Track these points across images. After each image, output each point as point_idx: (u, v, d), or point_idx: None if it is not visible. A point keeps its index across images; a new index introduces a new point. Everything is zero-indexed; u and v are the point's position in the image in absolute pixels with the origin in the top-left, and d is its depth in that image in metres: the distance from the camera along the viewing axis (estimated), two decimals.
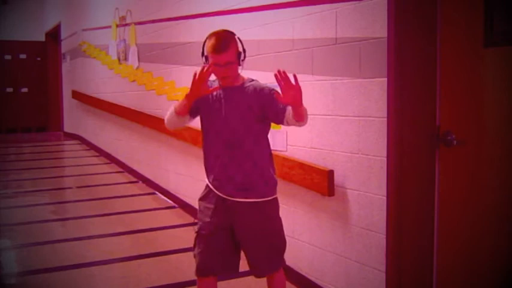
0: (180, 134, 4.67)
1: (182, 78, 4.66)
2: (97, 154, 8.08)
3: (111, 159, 7.35)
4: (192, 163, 4.61)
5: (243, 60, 2.26)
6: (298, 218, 3.04)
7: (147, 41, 5.54)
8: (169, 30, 4.87)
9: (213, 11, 3.96)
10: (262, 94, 2.24)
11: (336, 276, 2.76)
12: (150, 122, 5.49)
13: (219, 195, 2.29)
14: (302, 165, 2.88)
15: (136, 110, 5.91)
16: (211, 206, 2.31)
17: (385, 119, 2.37)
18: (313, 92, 2.81)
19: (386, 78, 2.35)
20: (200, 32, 4.23)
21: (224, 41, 2.18)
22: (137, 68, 5.88)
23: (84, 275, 3.36)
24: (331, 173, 2.68)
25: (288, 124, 2.21)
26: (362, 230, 2.56)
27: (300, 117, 2.13)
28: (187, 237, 4.14)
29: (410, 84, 2.35)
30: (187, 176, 4.75)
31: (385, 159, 2.39)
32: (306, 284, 2.98)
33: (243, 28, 3.43)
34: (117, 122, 6.86)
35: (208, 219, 2.31)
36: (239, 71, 2.28)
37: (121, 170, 6.82)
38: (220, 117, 2.27)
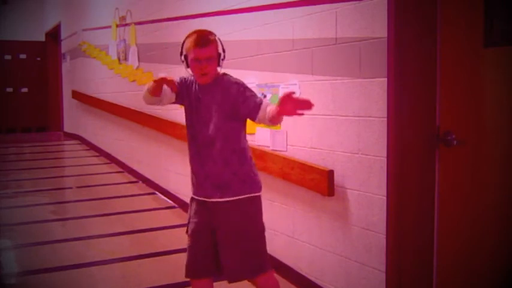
0: (180, 134, 4.67)
1: None
2: (97, 154, 8.08)
3: (111, 159, 7.35)
4: None
5: (222, 60, 2.26)
6: (298, 218, 3.04)
7: (147, 41, 5.54)
8: (169, 30, 4.87)
9: (213, 11, 3.96)
10: (232, 91, 2.23)
11: (336, 276, 2.76)
12: (150, 122, 5.49)
13: (197, 198, 2.32)
14: (302, 165, 2.88)
15: (136, 110, 5.91)
16: (194, 206, 2.33)
17: (385, 119, 2.37)
18: (313, 92, 2.81)
19: (386, 78, 2.35)
20: None
21: (206, 37, 2.20)
22: (137, 68, 5.88)
23: (84, 275, 3.36)
24: (331, 173, 2.68)
25: (259, 122, 2.20)
26: (362, 230, 2.56)
27: (277, 121, 2.13)
28: (187, 237, 4.14)
29: (410, 84, 2.35)
30: (187, 176, 4.73)
31: (385, 159, 2.39)
32: (306, 284, 2.98)
33: (243, 28, 3.44)
34: (117, 122, 6.86)
35: (191, 220, 2.33)
36: (218, 70, 2.28)
37: (121, 170, 6.82)
38: (195, 115, 2.28)
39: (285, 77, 3.08)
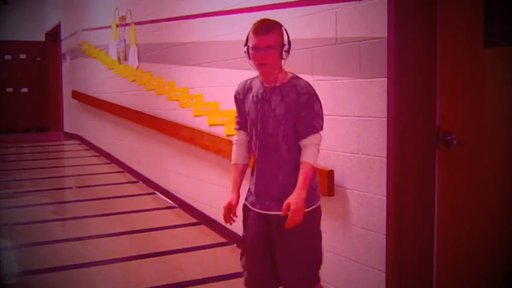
0: (179, 134, 4.68)
1: (182, 78, 4.66)
2: (97, 154, 8.08)
3: (111, 159, 7.35)
4: (192, 163, 4.61)
5: (286, 52, 2.10)
6: None
7: (147, 41, 5.54)
8: (169, 30, 4.87)
9: (213, 11, 3.96)
10: (299, 95, 2.09)
11: (336, 276, 2.75)
12: (150, 122, 5.49)
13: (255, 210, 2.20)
14: None
15: (137, 110, 5.91)
16: (251, 217, 2.22)
17: (385, 119, 2.37)
18: None
19: (386, 78, 2.35)
20: (200, 32, 4.24)
21: (267, 24, 2.08)
22: (137, 68, 5.88)
23: (84, 275, 3.36)
24: (331, 173, 2.68)
25: (300, 147, 2.12)
26: (362, 230, 2.56)
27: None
28: (187, 237, 4.15)
29: (410, 84, 2.34)
30: (187, 176, 4.75)
31: (385, 159, 2.39)
32: None
33: (243, 28, 3.43)
34: (117, 122, 6.86)
35: (247, 232, 2.23)
36: (282, 64, 2.14)
37: (121, 170, 6.82)
38: (259, 119, 2.14)
39: None
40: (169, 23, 4.84)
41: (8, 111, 11.42)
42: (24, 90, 11.70)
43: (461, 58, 2.30)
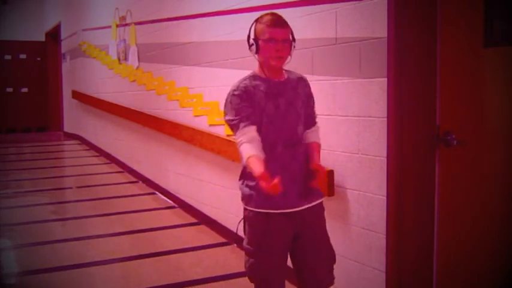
0: (179, 134, 4.67)
1: (182, 78, 4.66)
2: (97, 154, 8.08)
3: (111, 159, 7.35)
4: (192, 163, 4.61)
5: (293, 47, 2.09)
6: None
7: (147, 41, 5.54)
8: (169, 30, 4.87)
9: (213, 11, 3.96)
10: (306, 84, 2.19)
11: (336, 276, 2.74)
12: (150, 122, 5.49)
13: (280, 212, 2.04)
14: None
15: (136, 110, 5.91)
16: (269, 224, 2.05)
17: (385, 119, 2.37)
18: (313, 92, 2.80)
19: (386, 78, 2.35)
20: (200, 32, 4.24)
21: (282, 18, 2.05)
22: (137, 68, 5.88)
23: (84, 275, 3.36)
24: (331, 173, 2.68)
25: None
26: (362, 230, 2.56)
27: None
28: (187, 237, 4.15)
29: (410, 84, 2.35)
30: (187, 176, 4.75)
31: (385, 159, 2.39)
32: None
33: (243, 28, 3.42)
34: (117, 122, 6.86)
35: (271, 240, 2.06)
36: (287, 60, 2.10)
37: (121, 170, 6.82)
38: (279, 115, 2.05)
39: None
40: (169, 23, 4.85)
41: (8, 111, 11.42)
42: (24, 90, 11.70)
43: (461, 58, 2.30)
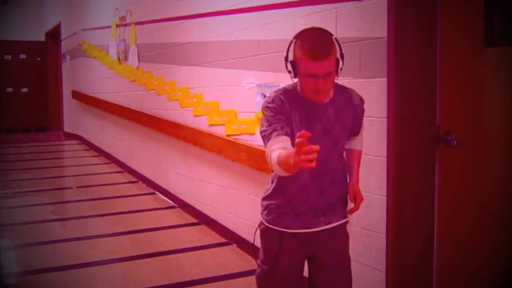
0: (179, 134, 4.68)
1: (182, 78, 4.66)
2: (97, 154, 8.08)
3: (111, 159, 7.35)
4: (192, 163, 4.61)
5: (341, 69, 1.80)
6: None
7: (147, 41, 5.54)
8: (169, 30, 4.87)
9: (213, 11, 3.96)
10: (355, 107, 1.94)
11: None
12: (150, 122, 5.49)
13: (291, 233, 1.92)
14: None
15: (136, 110, 5.91)
16: (281, 244, 1.94)
17: (385, 119, 2.37)
18: None
19: (386, 78, 2.35)
20: (200, 32, 4.24)
21: (325, 46, 1.71)
22: (137, 68, 5.88)
23: (84, 275, 3.36)
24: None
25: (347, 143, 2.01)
26: (362, 230, 2.56)
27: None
28: (187, 237, 4.15)
29: (410, 84, 2.35)
30: (187, 176, 4.75)
31: (385, 159, 2.39)
32: (306, 284, 2.97)
33: (243, 28, 3.43)
34: (117, 122, 6.86)
35: (281, 262, 1.96)
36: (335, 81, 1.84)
37: (121, 170, 6.82)
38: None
39: (285, 77, 3.06)
40: (169, 23, 4.85)
41: (8, 111, 11.42)
42: (24, 90, 11.70)
43: (461, 58, 2.30)
